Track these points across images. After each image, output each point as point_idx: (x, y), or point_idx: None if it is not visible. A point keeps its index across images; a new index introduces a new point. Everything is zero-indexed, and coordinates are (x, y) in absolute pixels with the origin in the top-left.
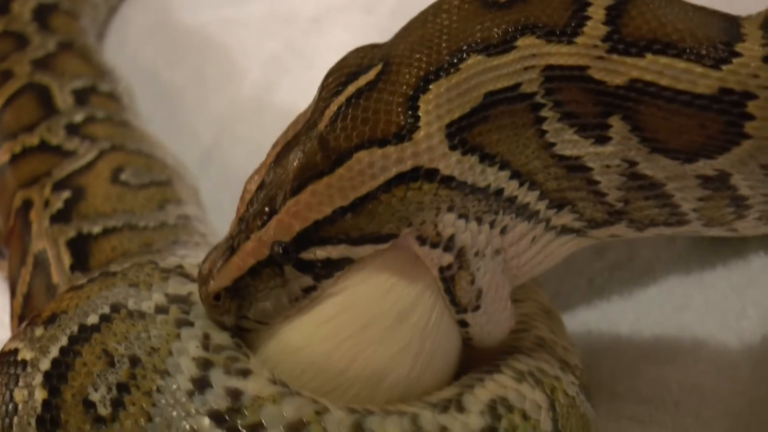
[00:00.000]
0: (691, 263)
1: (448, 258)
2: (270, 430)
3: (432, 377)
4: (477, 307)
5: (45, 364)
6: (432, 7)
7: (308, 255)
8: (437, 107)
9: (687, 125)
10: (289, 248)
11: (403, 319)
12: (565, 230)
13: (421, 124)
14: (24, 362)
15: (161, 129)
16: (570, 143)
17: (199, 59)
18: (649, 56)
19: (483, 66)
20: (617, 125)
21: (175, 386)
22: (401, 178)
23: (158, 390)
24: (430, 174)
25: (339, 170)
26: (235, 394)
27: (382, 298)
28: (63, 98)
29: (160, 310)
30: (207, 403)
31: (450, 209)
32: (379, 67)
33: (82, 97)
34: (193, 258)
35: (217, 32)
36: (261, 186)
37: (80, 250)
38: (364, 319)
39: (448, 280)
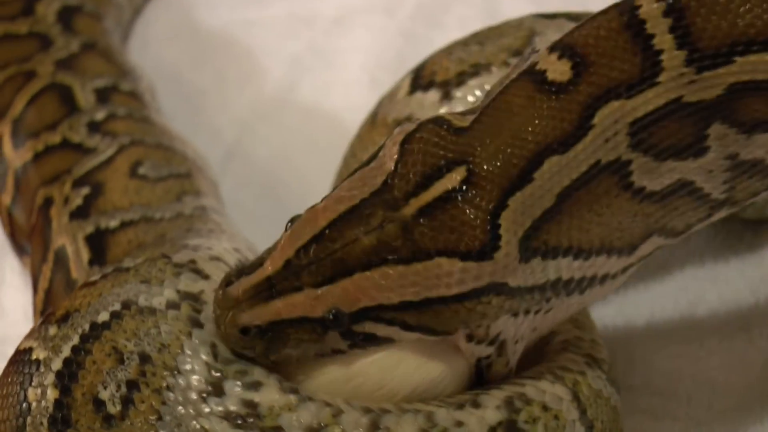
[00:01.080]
0: (705, 259)
1: (489, 350)
2: None
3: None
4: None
5: (57, 364)
6: (502, 103)
7: (359, 327)
8: (513, 222)
9: None
10: (344, 317)
11: (426, 388)
12: (632, 265)
13: (501, 243)
14: (37, 361)
15: (184, 129)
16: (668, 173)
17: (221, 60)
18: (738, 59)
19: (558, 167)
20: (715, 131)
21: (185, 385)
22: (474, 293)
23: (168, 388)
24: (500, 288)
25: (417, 266)
26: (250, 404)
27: (410, 373)
28: (85, 97)
29: (172, 305)
30: (220, 405)
31: (506, 312)
32: (463, 172)
33: (103, 95)
34: (205, 248)
35: (239, 33)
36: (317, 238)
37: (98, 245)
38: (386, 384)
39: (483, 367)
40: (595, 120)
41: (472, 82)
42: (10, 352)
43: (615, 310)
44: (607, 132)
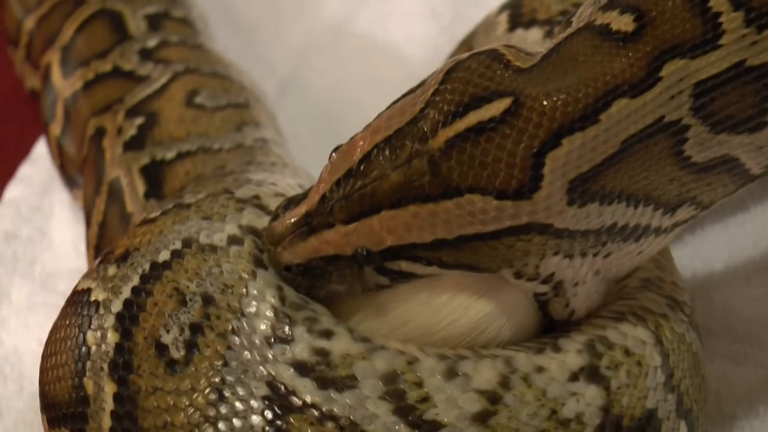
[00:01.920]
0: None
1: (543, 288)
2: (364, 381)
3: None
4: (568, 322)
5: (117, 306)
6: (566, 53)
7: (393, 265)
8: (565, 165)
9: None
10: (374, 256)
11: (487, 325)
12: (675, 226)
13: (543, 184)
14: (96, 303)
15: (236, 60)
16: (716, 147)
17: None
18: None
19: (626, 111)
20: None
21: (251, 329)
22: (513, 231)
23: (233, 331)
24: (544, 228)
25: (447, 203)
26: (321, 353)
27: (464, 309)
28: (135, 24)
29: (234, 241)
30: (289, 353)
31: (556, 253)
32: (508, 102)
33: (155, 22)
34: (269, 184)
35: None
36: (351, 172)
37: (154, 176)
38: (441, 322)
39: (541, 303)
40: (663, 72)
41: None
42: (61, 286)
43: (691, 252)
44: (672, 88)
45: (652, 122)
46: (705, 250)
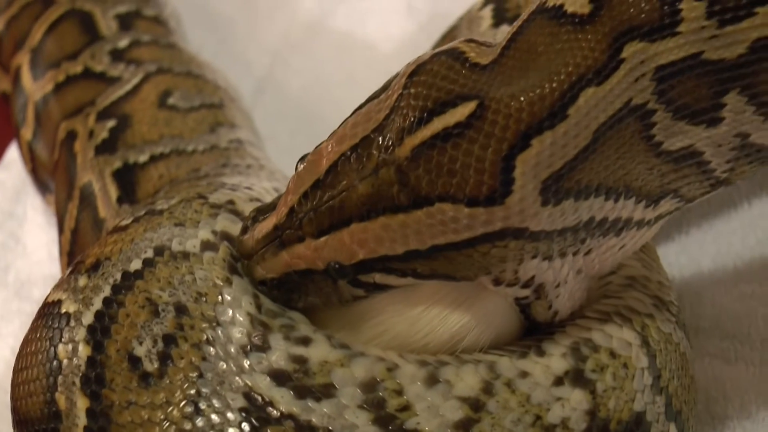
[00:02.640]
0: None
1: (524, 292)
2: (343, 390)
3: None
4: (551, 324)
5: (88, 318)
6: (524, 45)
7: (367, 278)
8: (536, 165)
9: None
10: (347, 269)
11: (467, 332)
12: (658, 219)
13: (515, 187)
14: (67, 315)
15: (211, 60)
16: (681, 135)
17: None
18: (760, 9)
19: (595, 100)
20: (732, 102)
21: (226, 338)
22: (487, 238)
23: (208, 341)
24: (519, 232)
25: (418, 213)
26: (299, 360)
27: (442, 318)
28: (106, 24)
29: (207, 246)
30: (266, 362)
31: (534, 257)
32: (472, 106)
33: (126, 21)
34: (244, 188)
35: None
36: (318, 183)
37: (127, 180)
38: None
39: (523, 306)
40: (624, 54)
41: None
42: (36, 293)
43: (678, 248)
44: (635, 71)
45: (621, 106)
46: (692, 247)
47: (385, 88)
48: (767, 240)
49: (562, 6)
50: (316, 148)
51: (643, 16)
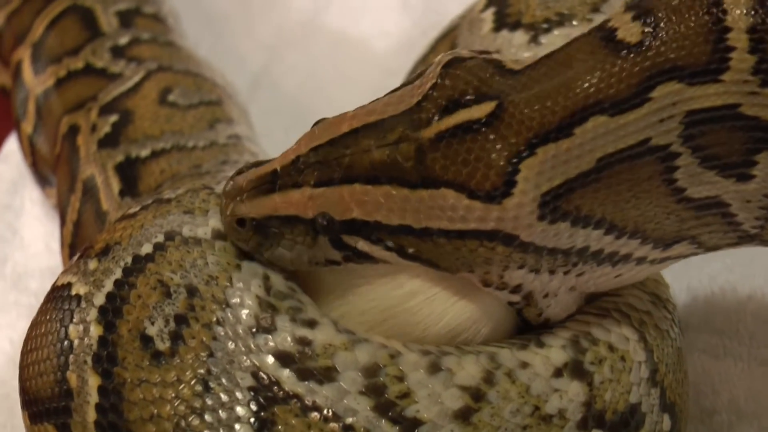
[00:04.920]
0: None
1: (514, 297)
2: (344, 374)
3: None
4: (544, 326)
5: (99, 299)
6: (562, 54)
7: (350, 240)
8: (538, 174)
9: None
10: (335, 225)
11: (463, 328)
12: (666, 260)
13: (515, 191)
14: (78, 297)
15: (207, 56)
16: (708, 185)
17: None
18: None
19: (604, 129)
20: (764, 161)
21: (235, 319)
22: (477, 235)
23: (218, 322)
24: (509, 239)
25: (422, 192)
26: (303, 342)
27: (443, 310)
28: (107, 20)
29: (218, 235)
30: (272, 342)
31: (520, 267)
32: (492, 106)
33: (126, 19)
34: None
35: None
36: (333, 141)
37: (129, 174)
38: (420, 322)
39: (516, 309)
40: (655, 93)
41: (557, 31)
42: (33, 285)
43: None
44: (663, 112)
45: (635, 143)
46: None
47: (420, 75)
48: None
49: (615, 30)
50: (340, 114)
51: (690, 57)
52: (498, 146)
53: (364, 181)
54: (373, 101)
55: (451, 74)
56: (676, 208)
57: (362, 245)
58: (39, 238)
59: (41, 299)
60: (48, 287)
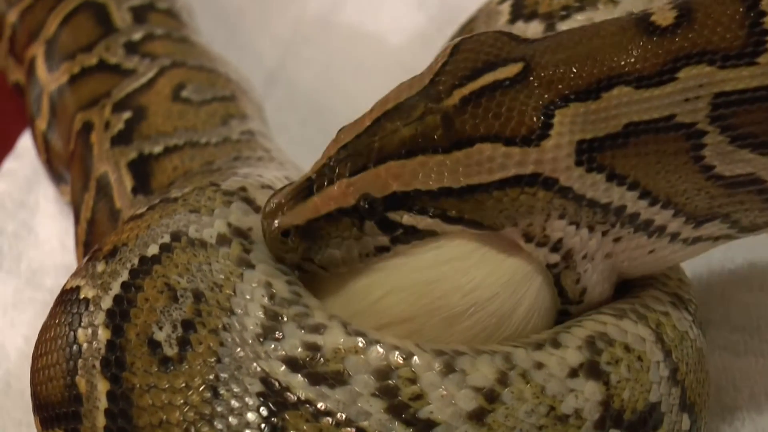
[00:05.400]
0: None
1: (554, 257)
2: (356, 377)
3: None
4: (581, 302)
5: (107, 302)
6: (590, 27)
7: (395, 216)
8: (572, 123)
9: None
10: (377, 204)
11: (508, 291)
12: (698, 240)
13: (552, 133)
14: (86, 300)
15: (222, 52)
16: (741, 163)
17: None
18: None
19: (628, 98)
20: None
21: (241, 327)
22: (518, 181)
23: (225, 328)
24: (549, 182)
25: (457, 153)
26: (312, 347)
27: (483, 268)
28: (121, 16)
29: (222, 241)
30: (281, 350)
31: (561, 216)
32: (520, 66)
33: (140, 14)
34: (255, 176)
35: None
36: (360, 134)
37: (141, 171)
38: (466, 287)
39: (555, 276)
40: (680, 74)
41: (579, 16)
42: (48, 282)
43: None
44: (689, 92)
45: (660, 118)
46: None
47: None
48: None
49: (650, 14)
50: (359, 117)
51: (723, 42)
52: (531, 96)
53: (398, 157)
54: (386, 94)
55: (463, 50)
56: (705, 184)
57: (407, 219)
58: (54, 236)
59: (56, 296)
60: (63, 284)
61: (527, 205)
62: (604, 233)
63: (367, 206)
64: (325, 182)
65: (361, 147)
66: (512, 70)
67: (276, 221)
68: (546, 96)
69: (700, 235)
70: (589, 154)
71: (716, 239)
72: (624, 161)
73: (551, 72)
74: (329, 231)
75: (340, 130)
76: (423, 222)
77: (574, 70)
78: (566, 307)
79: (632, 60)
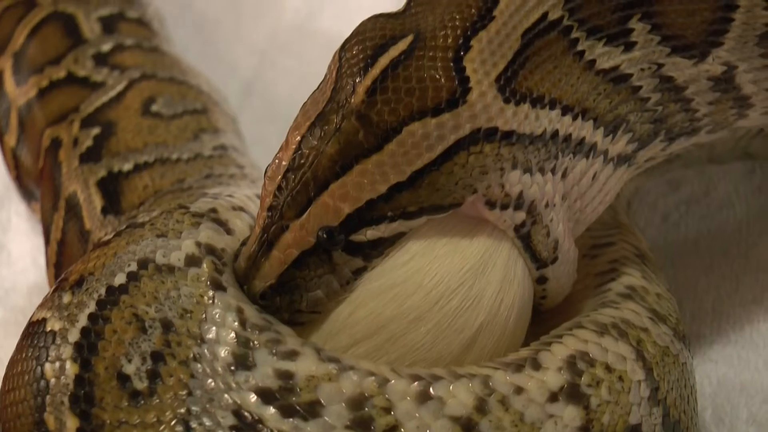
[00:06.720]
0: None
1: (520, 216)
2: (330, 407)
3: (504, 340)
4: (555, 259)
5: (74, 335)
6: None
7: (358, 237)
8: (483, 63)
9: (696, 8)
10: (337, 233)
11: (472, 277)
12: (620, 160)
13: (471, 84)
14: (53, 333)
15: (197, 61)
16: (605, 56)
17: None
18: None
19: (514, 5)
20: (638, 27)
21: (211, 356)
22: (460, 145)
23: (195, 359)
24: (490, 133)
25: (389, 146)
26: (285, 375)
27: (444, 260)
28: (90, 27)
29: (191, 261)
30: (252, 379)
31: (514, 166)
32: (410, 37)
33: (109, 24)
34: (225, 197)
35: None
36: (287, 171)
37: (111, 190)
38: (429, 283)
39: (525, 238)
40: None
41: None
42: (21, 302)
43: (678, 252)
44: None
45: (539, 17)
46: (690, 252)
47: (322, 81)
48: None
49: None
50: (276, 153)
51: None
52: (435, 59)
53: (335, 177)
54: (295, 119)
55: (348, 48)
56: (597, 80)
57: (371, 233)
58: (26, 254)
59: (29, 316)
60: (36, 304)
61: (479, 165)
62: (553, 171)
63: (327, 238)
64: (277, 233)
65: (295, 183)
66: (405, 43)
67: (250, 288)
68: (447, 48)
69: (619, 151)
70: (509, 86)
71: (629, 160)
72: (534, 79)
73: (440, 22)
74: (303, 276)
75: (265, 174)
76: (387, 229)
77: (460, 7)
78: (543, 272)
79: None
